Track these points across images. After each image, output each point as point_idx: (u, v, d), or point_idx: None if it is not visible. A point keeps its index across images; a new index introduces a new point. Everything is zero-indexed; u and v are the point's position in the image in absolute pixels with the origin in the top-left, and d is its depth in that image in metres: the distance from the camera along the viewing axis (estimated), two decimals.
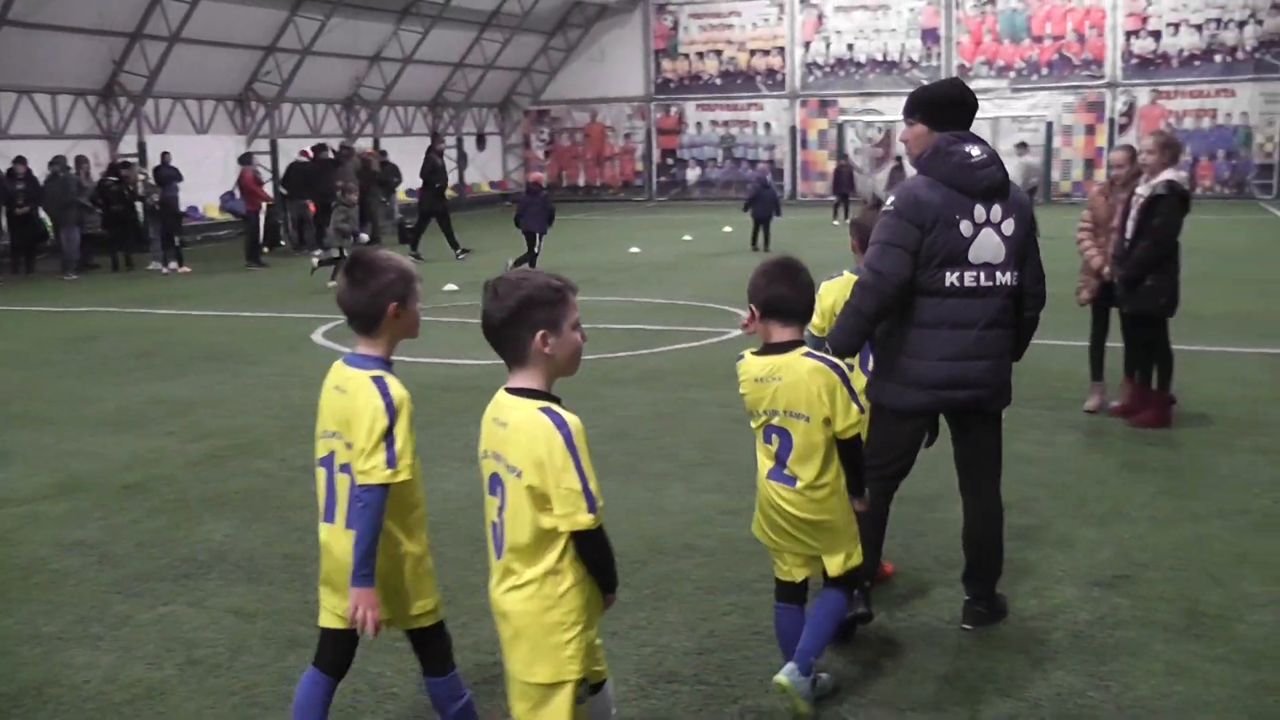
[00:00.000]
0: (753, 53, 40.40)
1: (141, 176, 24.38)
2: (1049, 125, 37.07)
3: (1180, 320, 9.41)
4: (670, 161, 40.37)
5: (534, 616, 3.46)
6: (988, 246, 5.21)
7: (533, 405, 3.41)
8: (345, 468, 3.88)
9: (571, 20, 41.99)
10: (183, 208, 25.37)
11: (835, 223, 29.59)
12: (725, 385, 10.67)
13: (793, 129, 40.18)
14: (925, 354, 5.28)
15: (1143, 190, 9.22)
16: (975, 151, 5.23)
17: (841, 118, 38.84)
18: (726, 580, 6.31)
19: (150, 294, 19.25)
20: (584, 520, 3.39)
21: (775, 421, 4.70)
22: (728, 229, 27.80)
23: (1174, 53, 36.84)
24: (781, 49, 40.10)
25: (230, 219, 29.74)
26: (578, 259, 22.69)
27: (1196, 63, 36.72)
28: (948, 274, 5.19)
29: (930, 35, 38.71)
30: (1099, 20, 37.21)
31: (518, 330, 3.43)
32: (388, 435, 3.73)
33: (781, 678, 4.70)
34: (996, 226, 5.22)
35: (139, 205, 24.03)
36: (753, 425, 4.84)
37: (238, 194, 25.62)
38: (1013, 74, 38.04)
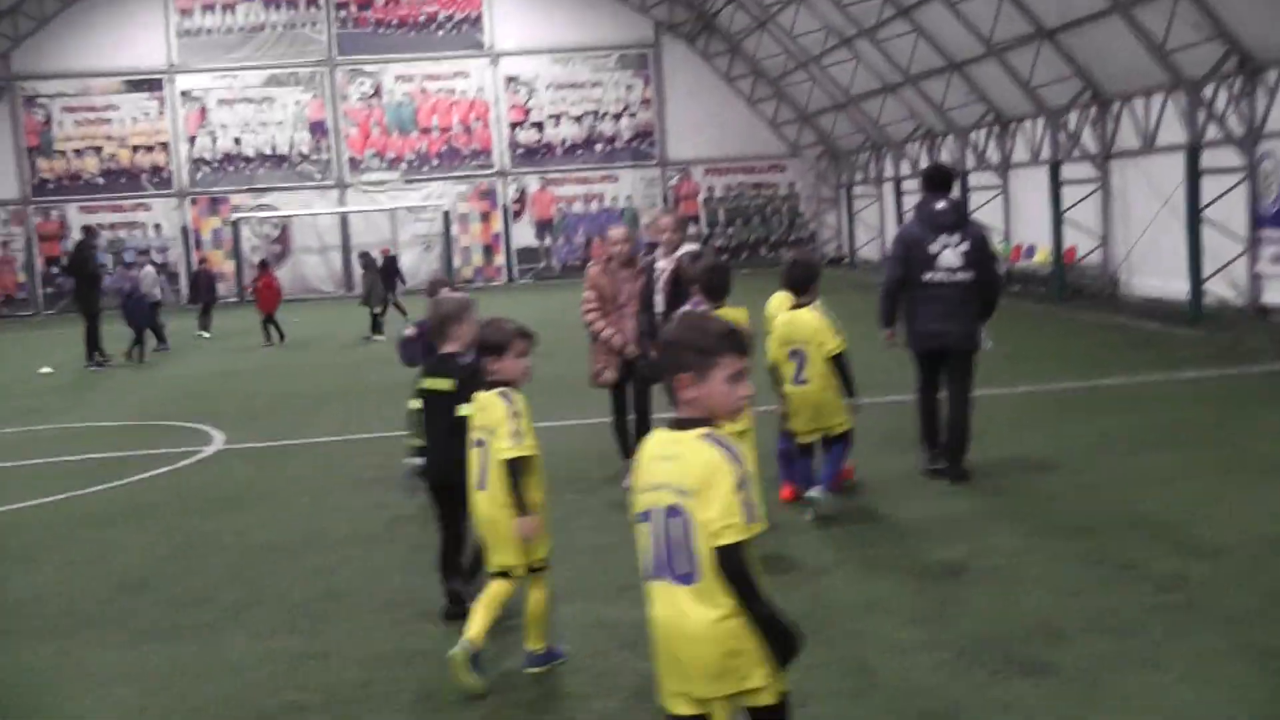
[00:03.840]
0: (135, 149, 37.56)
1: None
2: (446, 214, 37.79)
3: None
4: (55, 270, 36.26)
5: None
6: (948, 259, 8.79)
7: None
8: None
9: None
10: None
11: (204, 335, 25.99)
12: (235, 509, 9.45)
13: (185, 229, 37.77)
14: (918, 319, 8.99)
15: (664, 264, 9.26)
16: (940, 205, 8.97)
17: (235, 215, 37.13)
18: None
19: None
20: None
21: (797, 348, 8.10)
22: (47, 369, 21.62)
23: (557, 142, 39.05)
24: (165, 144, 37.62)
25: None
26: None
27: (579, 151, 39.16)
28: (925, 274, 8.84)
29: (318, 128, 38.14)
30: (484, 113, 38.60)
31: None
32: None
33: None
34: (955, 247, 8.81)
35: None
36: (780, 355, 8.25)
37: None
38: (404, 165, 38.40)
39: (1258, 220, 18.14)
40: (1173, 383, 13.19)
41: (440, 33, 38.36)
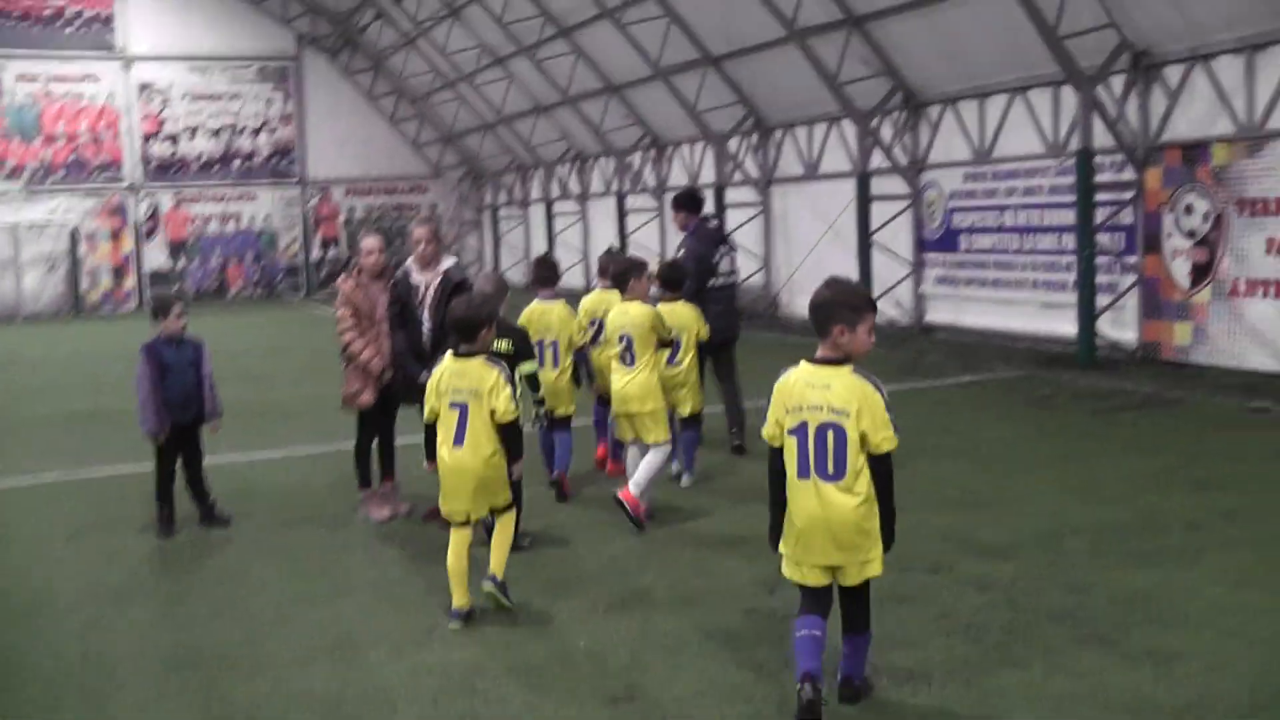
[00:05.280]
0: None
1: None
2: (73, 231, 34.76)
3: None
4: None
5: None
6: (725, 265, 10.51)
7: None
8: None
9: None
10: None
11: None
12: None
13: None
14: (709, 317, 9.60)
15: (422, 279, 8.76)
16: (713, 223, 11.06)
17: None
18: None
19: None
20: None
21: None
22: None
23: (193, 157, 36.72)
24: None
25: None
26: None
27: (216, 167, 37.01)
28: (711, 281, 10.32)
29: None
30: (114, 122, 35.70)
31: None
32: None
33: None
34: (727, 255, 10.60)
35: None
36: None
37: None
38: (26, 175, 34.92)
39: (922, 244, 19.42)
40: None
41: (68, 30, 35.08)
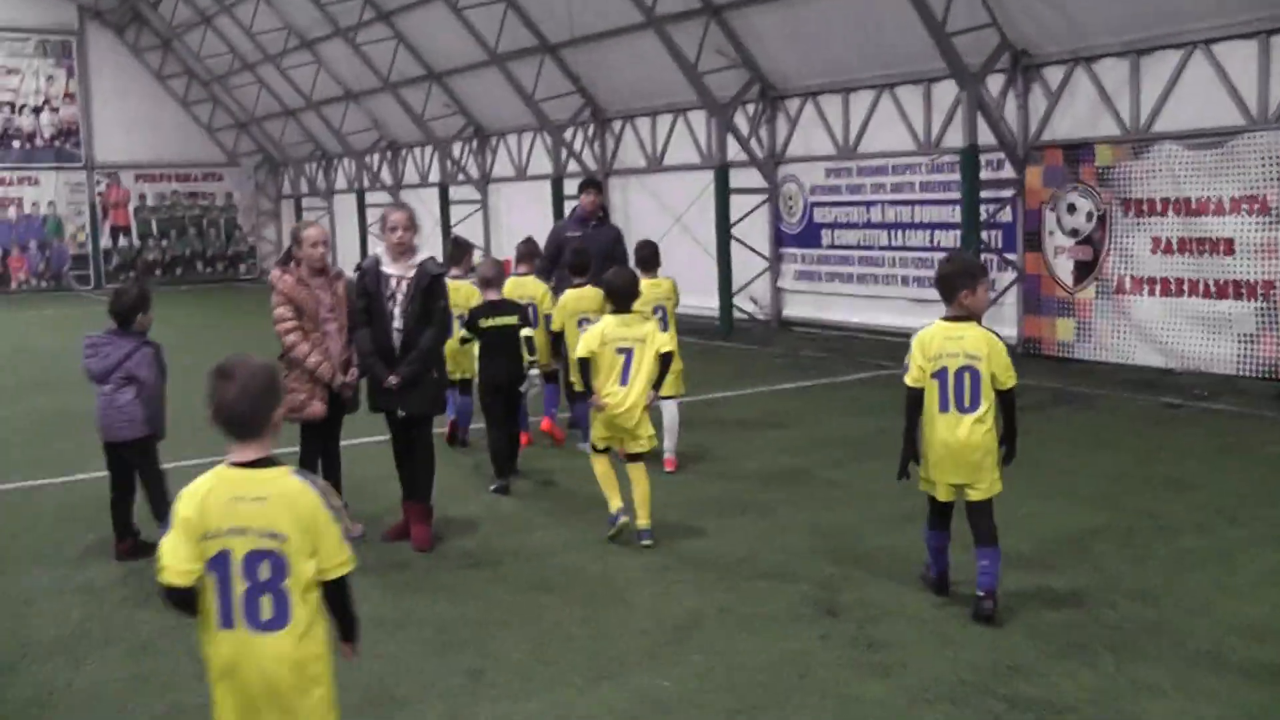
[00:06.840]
0: None
1: None
2: None
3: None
4: None
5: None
6: None
7: None
8: None
9: None
10: None
11: None
12: None
13: None
14: None
15: (395, 271, 7.86)
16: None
17: None
18: None
19: None
20: None
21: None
22: None
23: None
24: None
25: None
26: None
27: None
28: None
29: None
30: None
31: None
32: None
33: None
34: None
35: None
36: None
37: None
38: None
39: (780, 238, 19.30)
40: (782, 394, 13.55)
41: None
